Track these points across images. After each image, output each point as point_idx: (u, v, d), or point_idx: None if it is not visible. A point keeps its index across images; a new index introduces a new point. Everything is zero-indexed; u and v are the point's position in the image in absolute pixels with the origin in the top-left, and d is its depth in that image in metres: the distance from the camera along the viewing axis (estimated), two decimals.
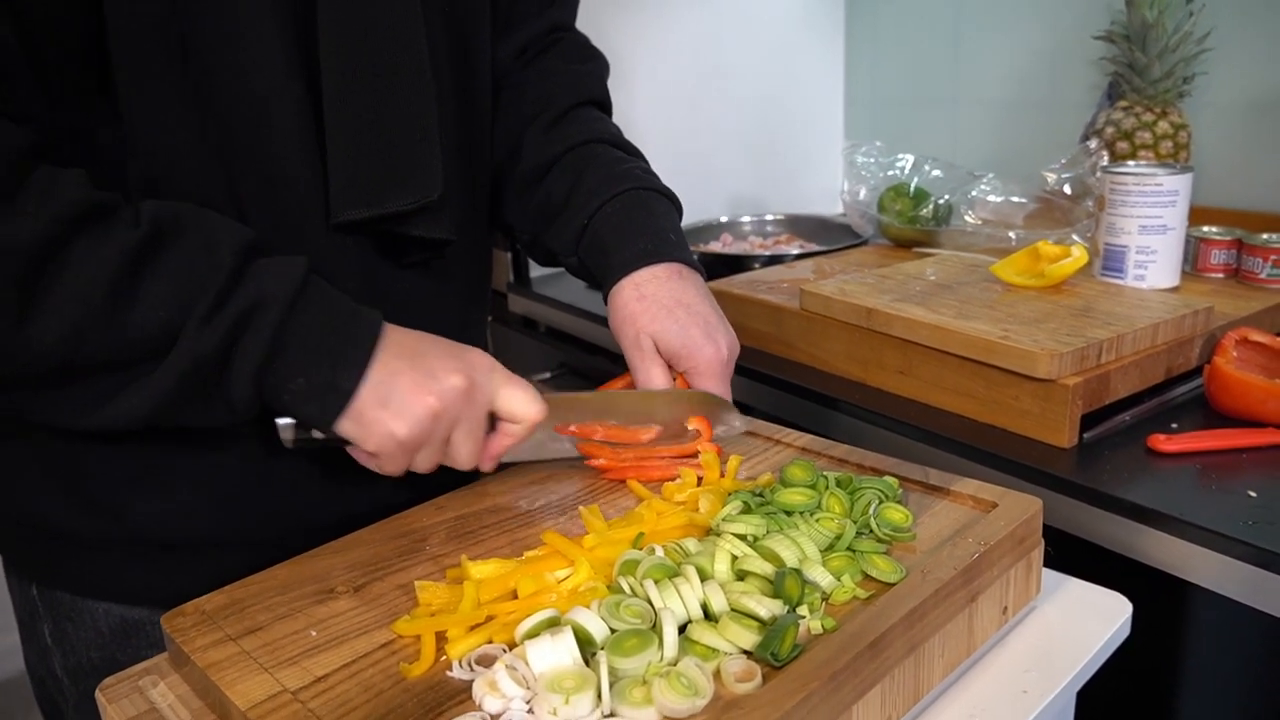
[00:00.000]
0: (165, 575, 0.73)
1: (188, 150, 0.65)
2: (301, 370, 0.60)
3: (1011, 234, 1.34)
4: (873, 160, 1.52)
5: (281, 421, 0.64)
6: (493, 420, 0.68)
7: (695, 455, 0.74)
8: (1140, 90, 1.36)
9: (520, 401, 0.67)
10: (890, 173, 1.50)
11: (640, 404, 0.77)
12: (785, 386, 1.12)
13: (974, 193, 1.40)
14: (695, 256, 0.84)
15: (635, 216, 0.82)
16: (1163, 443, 0.87)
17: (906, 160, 1.51)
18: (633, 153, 0.90)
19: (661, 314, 0.78)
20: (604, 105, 0.94)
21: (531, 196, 0.88)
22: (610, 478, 0.74)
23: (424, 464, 0.66)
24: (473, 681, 0.51)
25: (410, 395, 0.62)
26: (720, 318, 0.80)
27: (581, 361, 1.49)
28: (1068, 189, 1.34)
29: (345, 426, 0.62)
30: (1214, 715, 0.82)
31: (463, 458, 0.67)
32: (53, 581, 0.75)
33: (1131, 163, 1.27)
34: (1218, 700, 0.81)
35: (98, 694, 0.56)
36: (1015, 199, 1.38)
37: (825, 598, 0.57)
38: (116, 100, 0.62)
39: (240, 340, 0.59)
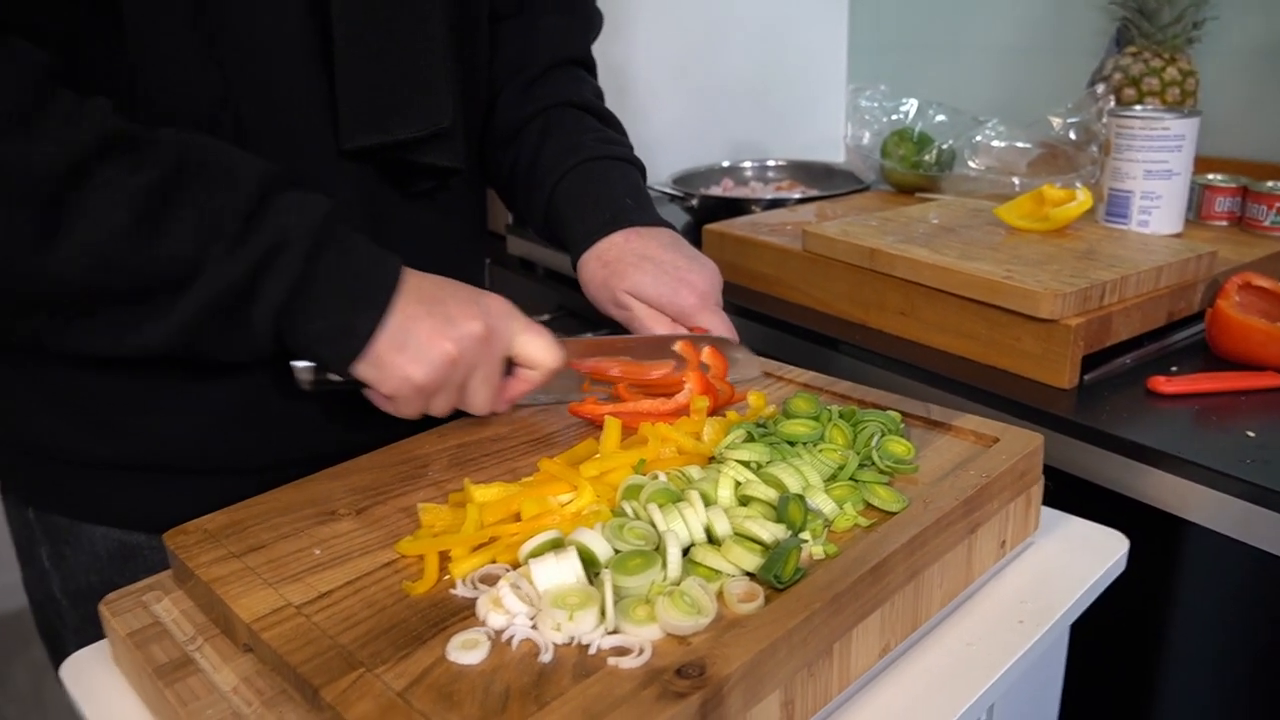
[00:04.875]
0: (163, 500, 0.72)
1: (187, 67, 0.63)
2: (321, 313, 0.61)
3: (1015, 180, 1.33)
4: (876, 104, 1.50)
5: (299, 365, 0.64)
6: (509, 364, 0.68)
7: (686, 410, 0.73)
8: (1149, 35, 1.34)
9: (538, 348, 0.68)
10: (894, 117, 1.48)
11: (654, 347, 0.77)
12: (786, 328, 1.11)
13: (978, 138, 1.39)
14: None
15: (590, 190, 0.83)
16: (1163, 384, 0.87)
17: (911, 105, 1.49)
18: (604, 116, 0.90)
19: (630, 270, 0.78)
20: (586, 63, 0.93)
21: (504, 157, 0.88)
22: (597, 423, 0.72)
23: (439, 408, 0.66)
24: (476, 599, 0.51)
25: (428, 340, 0.62)
26: (690, 259, 0.80)
27: (579, 304, 1.47)
28: (1073, 135, 1.33)
29: (362, 370, 0.62)
30: (1204, 648, 0.83)
31: (478, 403, 0.67)
32: (49, 505, 0.75)
33: (1139, 106, 1.26)
34: (1208, 633, 0.82)
35: (101, 608, 0.57)
36: (1019, 145, 1.37)
37: (828, 524, 0.58)
38: (120, 15, 0.60)
39: (262, 279, 0.59)
